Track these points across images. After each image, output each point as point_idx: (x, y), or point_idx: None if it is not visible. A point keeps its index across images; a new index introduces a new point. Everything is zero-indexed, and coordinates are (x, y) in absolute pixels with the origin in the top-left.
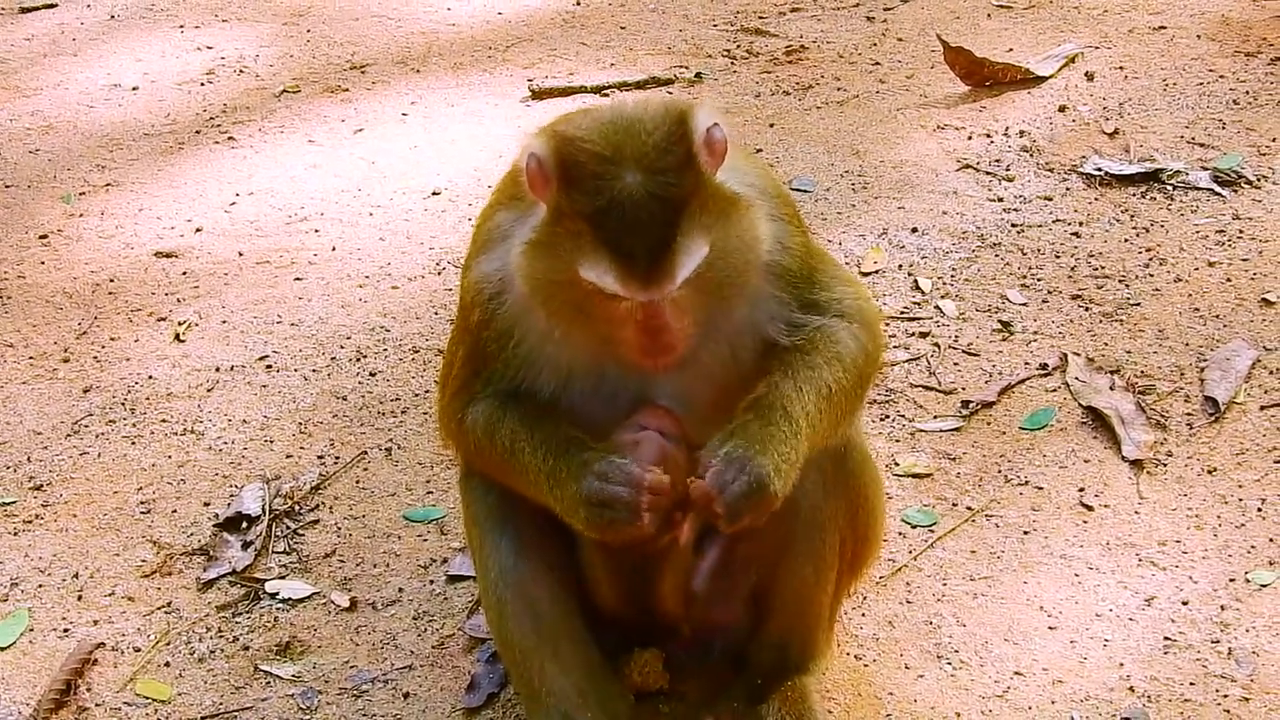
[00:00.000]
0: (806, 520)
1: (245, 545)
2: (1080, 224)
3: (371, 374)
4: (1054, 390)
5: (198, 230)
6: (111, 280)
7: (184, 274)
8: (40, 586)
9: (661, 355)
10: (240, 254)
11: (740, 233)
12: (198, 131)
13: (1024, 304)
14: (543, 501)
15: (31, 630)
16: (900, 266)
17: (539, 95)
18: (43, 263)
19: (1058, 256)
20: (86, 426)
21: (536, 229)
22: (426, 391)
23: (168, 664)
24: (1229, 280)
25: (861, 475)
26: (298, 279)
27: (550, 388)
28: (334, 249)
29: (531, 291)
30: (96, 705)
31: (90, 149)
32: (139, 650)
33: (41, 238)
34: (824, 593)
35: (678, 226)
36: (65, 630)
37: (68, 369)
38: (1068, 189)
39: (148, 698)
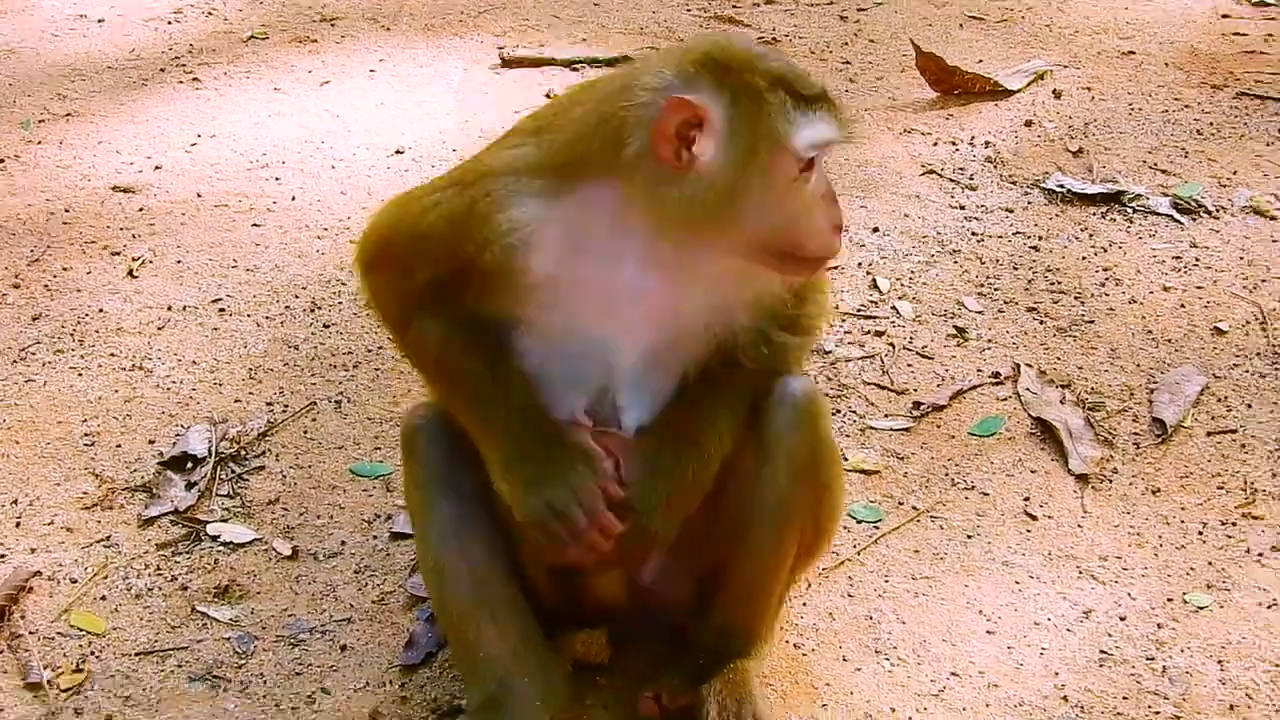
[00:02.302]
0: (773, 507)
1: (189, 486)
2: (1040, 238)
3: (325, 326)
4: (1005, 399)
5: (157, 168)
6: (67, 210)
7: (140, 210)
8: None
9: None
10: (199, 195)
11: None
12: (162, 69)
13: (980, 312)
14: (481, 452)
15: None
16: (859, 265)
17: (509, 64)
18: None
19: (1016, 268)
20: (33, 354)
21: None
22: (380, 348)
23: (104, 598)
24: (1183, 306)
25: (830, 466)
26: (255, 225)
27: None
28: (294, 199)
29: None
30: (30, 633)
31: (52, 78)
32: (75, 582)
33: None
34: (778, 580)
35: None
36: (1, 556)
37: (17, 295)
38: (1029, 203)
39: (82, 629)
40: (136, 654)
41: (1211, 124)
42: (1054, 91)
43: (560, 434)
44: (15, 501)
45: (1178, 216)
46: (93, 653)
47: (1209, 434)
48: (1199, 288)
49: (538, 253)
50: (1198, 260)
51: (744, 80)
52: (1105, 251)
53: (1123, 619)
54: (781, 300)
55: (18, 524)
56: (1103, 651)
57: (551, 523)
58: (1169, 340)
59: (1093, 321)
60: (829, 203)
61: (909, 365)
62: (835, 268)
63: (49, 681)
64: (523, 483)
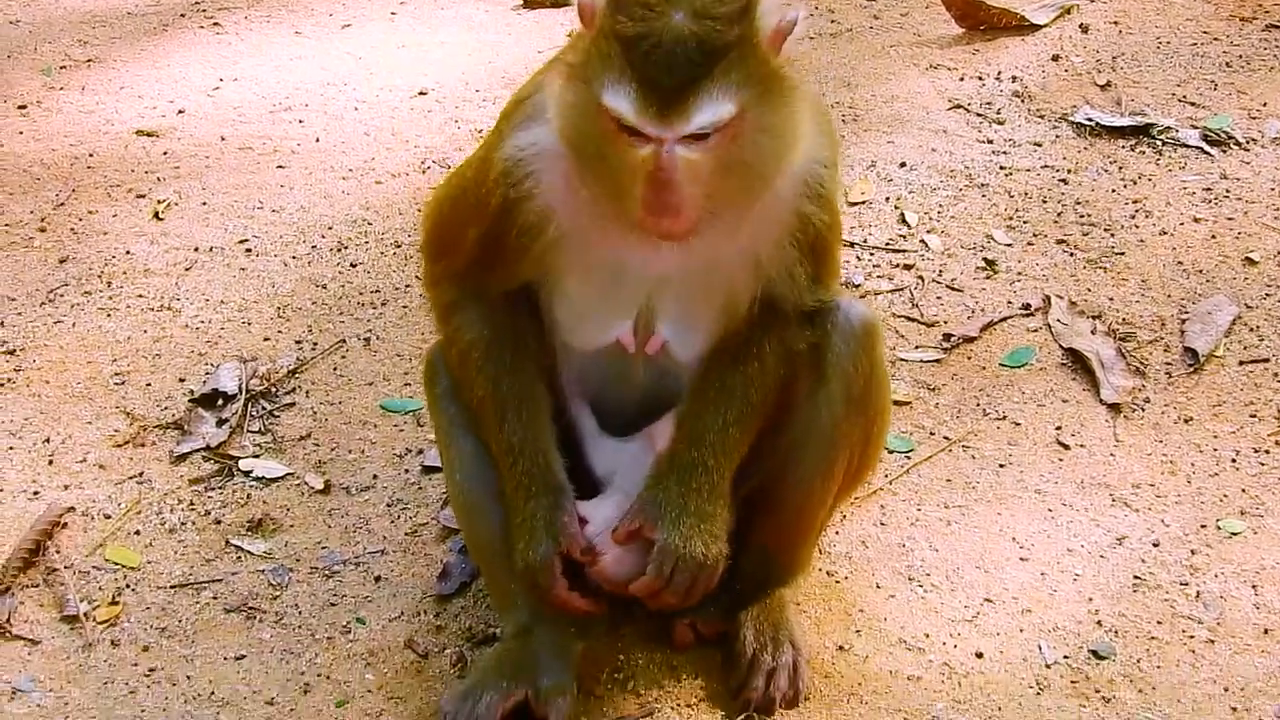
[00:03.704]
0: (826, 436)
1: (220, 422)
2: (1069, 171)
3: (352, 265)
4: (1035, 330)
5: (180, 112)
6: (91, 155)
7: (164, 154)
8: (10, 449)
9: (667, 218)
10: (222, 138)
11: (777, 119)
12: (182, 15)
13: (1009, 245)
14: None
15: (1, 491)
16: (887, 199)
17: (531, 4)
18: (21, 133)
19: (1045, 201)
20: (61, 296)
21: (576, 51)
22: (408, 286)
23: (138, 532)
24: (1214, 237)
25: (883, 393)
26: (280, 167)
27: (557, 289)
28: (318, 140)
29: (561, 127)
30: (65, 567)
31: (72, 24)
32: (109, 517)
33: (20, 108)
34: (823, 505)
35: (710, 72)
36: (35, 493)
37: (44, 239)
38: (1057, 136)
39: (116, 564)
40: (171, 587)
41: (1241, 56)
42: (1081, 26)
43: (543, 488)
44: (47, 440)
45: (1207, 149)
46: (128, 586)
47: (1241, 363)
48: (1230, 219)
49: (546, 177)
50: (1228, 192)
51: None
52: (1135, 184)
53: (1156, 545)
54: (811, 233)
55: (50, 462)
56: (1136, 577)
57: (529, 581)
58: (1200, 271)
59: (1123, 253)
60: (651, 184)
61: (938, 298)
62: (862, 202)
63: (85, 614)
64: (511, 530)
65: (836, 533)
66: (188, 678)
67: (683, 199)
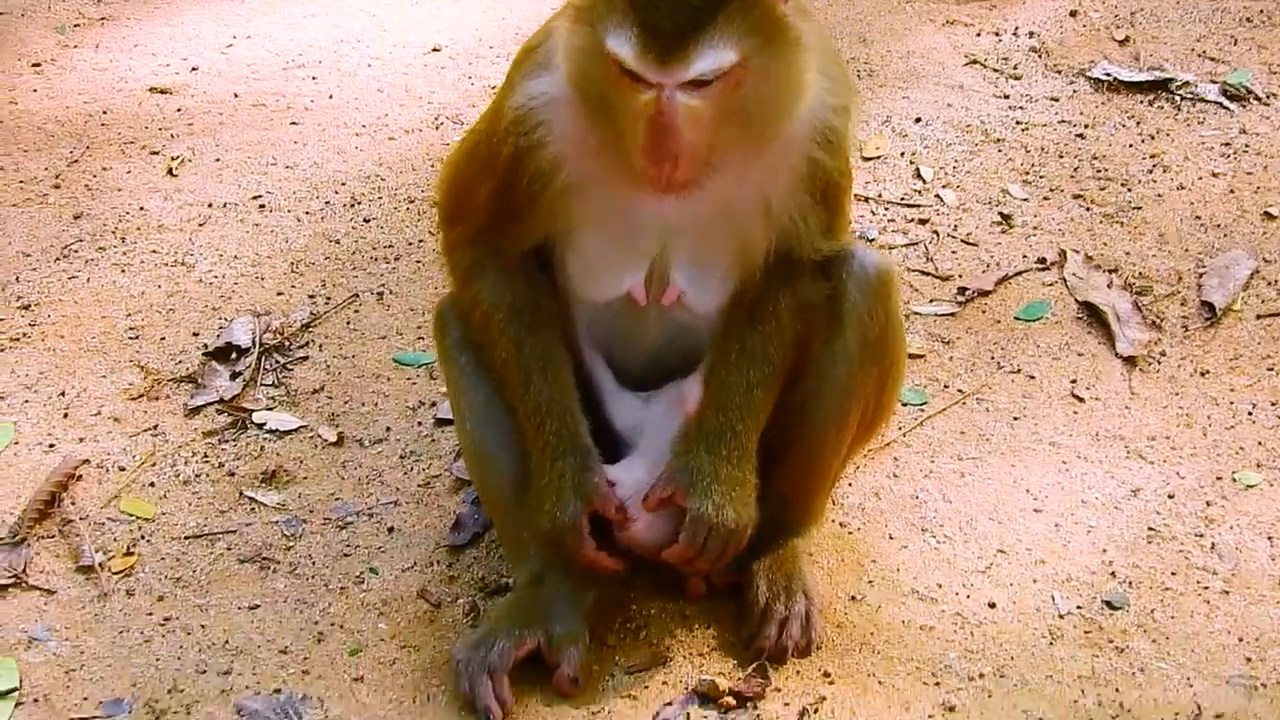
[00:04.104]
0: (841, 385)
1: (234, 375)
2: (1086, 126)
3: (365, 220)
4: (1051, 284)
5: (193, 69)
6: (104, 112)
7: (178, 111)
8: (26, 402)
9: (667, 166)
10: (236, 95)
11: (782, 68)
12: None
13: (1025, 199)
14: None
15: (16, 444)
16: (902, 154)
17: None
18: (35, 90)
19: (1061, 156)
20: (76, 252)
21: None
22: (421, 241)
23: (152, 484)
24: (1232, 191)
25: (898, 343)
26: (293, 123)
27: (570, 242)
28: (331, 97)
29: (568, 71)
30: (81, 519)
31: None
32: (124, 469)
33: (34, 66)
34: (837, 455)
35: (712, 19)
36: (50, 446)
37: (58, 195)
38: (1075, 91)
39: (132, 515)
40: (186, 538)
41: (1261, 11)
42: None
43: (571, 449)
44: (62, 394)
45: (1227, 103)
46: (143, 537)
47: (1259, 317)
48: (1249, 173)
49: (557, 125)
50: (1247, 146)
51: None
52: (1153, 139)
53: (1171, 497)
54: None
55: (65, 415)
56: (1151, 529)
57: (557, 541)
58: (1218, 225)
59: (1140, 208)
60: (651, 130)
61: (953, 252)
62: (877, 158)
63: (101, 565)
64: (537, 492)
65: (849, 485)
66: (202, 627)
67: (683, 146)
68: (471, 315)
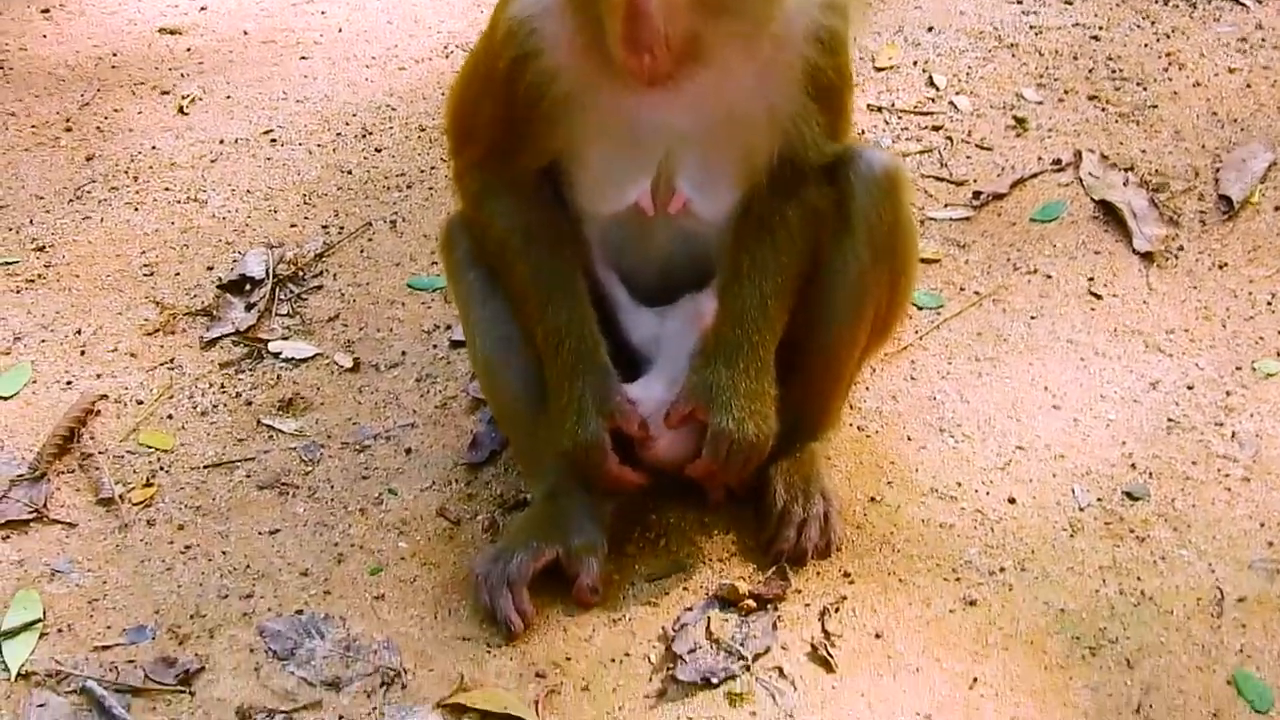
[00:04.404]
0: (853, 285)
1: (248, 307)
2: (1100, 28)
3: (377, 150)
4: (1066, 185)
5: (202, 9)
6: (114, 55)
7: (188, 50)
8: (43, 341)
9: (646, 56)
10: (245, 33)
11: None
12: None
13: (1039, 102)
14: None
15: (34, 382)
16: (915, 63)
17: None
18: (44, 35)
19: (1075, 58)
20: (89, 192)
21: None
22: (433, 168)
23: (170, 416)
24: (1249, 86)
25: (909, 244)
26: (304, 58)
27: (574, 156)
28: (340, 30)
29: None
30: (100, 453)
31: None
32: (141, 403)
33: (43, 11)
34: (851, 358)
35: None
36: (68, 383)
37: (70, 138)
38: None
39: (151, 447)
40: (205, 467)
41: None
42: None
43: (590, 368)
44: (79, 332)
45: (1243, 0)
46: (162, 468)
47: (1277, 208)
48: (1265, 68)
49: (550, 33)
50: (1264, 41)
51: None
52: (1168, 38)
53: (1190, 388)
54: (823, 80)
55: (82, 352)
56: (1170, 420)
57: (580, 459)
58: (1235, 120)
59: (1156, 106)
60: (627, 17)
61: (968, 157)
62: (889, 67)
63: (121, 496)
64: (557, 412)
65: (866, 389)
66: (223, 553)
67: (658, 35)
68: (486, 239)
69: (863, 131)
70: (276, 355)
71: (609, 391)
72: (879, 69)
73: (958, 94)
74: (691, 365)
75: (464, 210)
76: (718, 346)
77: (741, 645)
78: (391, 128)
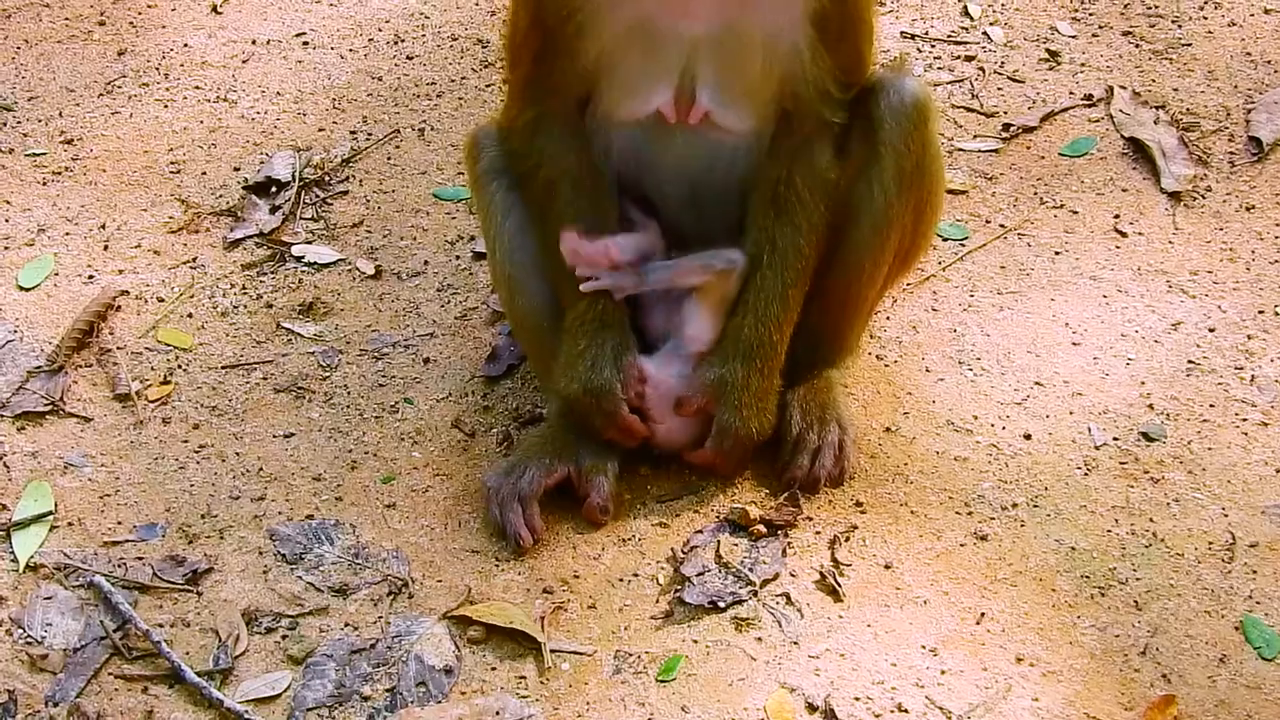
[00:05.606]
0: (877, 215)
1: (273, 209)
2: None
3: (409, 57)
4: (1097, 121)
5: None
6: None
7: None
8: (67, 234)
9: None
10: None
11: None
12: None
13: (1073, 36)
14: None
15: (56, 275)
16: None
17: None
18: None
19: None
20: (119, 88)
21: None
22: (463, 78)
23: (190, 315)
24: None
25: (935, 173)
26: None
27: (602, 67)
28: None
29: None
30: (118, 348)
31: None
32: (162, 300)
33: None
34: (872, 288)
35: None
36: (90, 277)
37: (103, 32)
38: None
39: (169, 345)
40: (223, 367)
41: None
42: None
43: (617, 323)
44: (103, 226)
45: None
46: (180, 366)
47: None
48: None
49: None
50: None
51: None
52: None
53: (1212, 330)
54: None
55: (105, 247)
56: (1190, 361)
57: (589, 405)
58: (1269, 62)
59: (1190, 44)
60: None
61: (999, 89)
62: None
63: (137, 393)
64: (571, 357)
65: (887, 318)
66: (237, 454)
67: None
68: (533, 178)
69: (900, 55)
70: (299, 259)
71: (626, 351)
72: None
73: (992, 24)
74: (708, 359)
75: (512, 144)
76: (738, 343)
77: (750, 570)
78: (424, 35)
